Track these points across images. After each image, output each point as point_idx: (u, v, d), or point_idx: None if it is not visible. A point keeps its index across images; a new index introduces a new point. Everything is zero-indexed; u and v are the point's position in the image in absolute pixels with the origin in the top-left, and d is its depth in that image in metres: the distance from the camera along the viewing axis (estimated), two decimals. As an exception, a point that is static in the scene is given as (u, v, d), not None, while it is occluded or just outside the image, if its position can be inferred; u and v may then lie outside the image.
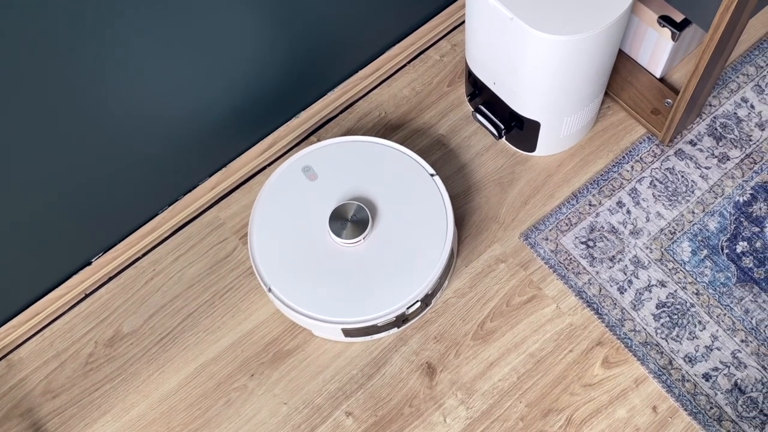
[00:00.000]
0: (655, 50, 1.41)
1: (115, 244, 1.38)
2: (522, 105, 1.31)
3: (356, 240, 1.24)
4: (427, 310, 1.33)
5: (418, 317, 1.32)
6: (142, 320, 1.36)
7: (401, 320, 1.26)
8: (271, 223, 1.29)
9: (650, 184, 1.40)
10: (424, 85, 1.53)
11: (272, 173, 1.33)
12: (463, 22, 1.57)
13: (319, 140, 1.48)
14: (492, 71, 1.30)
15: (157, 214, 1.39)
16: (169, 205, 1.40)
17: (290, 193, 1.31)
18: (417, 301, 1.23)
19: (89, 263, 1.36)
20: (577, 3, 1.12)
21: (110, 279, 1.40)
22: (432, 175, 1.29)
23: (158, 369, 1.33)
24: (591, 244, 1.37)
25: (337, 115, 1.51)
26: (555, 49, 1.14)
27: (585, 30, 1.11)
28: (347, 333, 1.25)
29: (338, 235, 1.24)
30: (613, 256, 1.35)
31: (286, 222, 1.29)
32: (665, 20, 1.33)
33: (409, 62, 1.55)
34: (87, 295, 1.39)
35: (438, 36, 1.56)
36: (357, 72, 1.50)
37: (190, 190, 1.41)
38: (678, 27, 1.32)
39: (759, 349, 1.27)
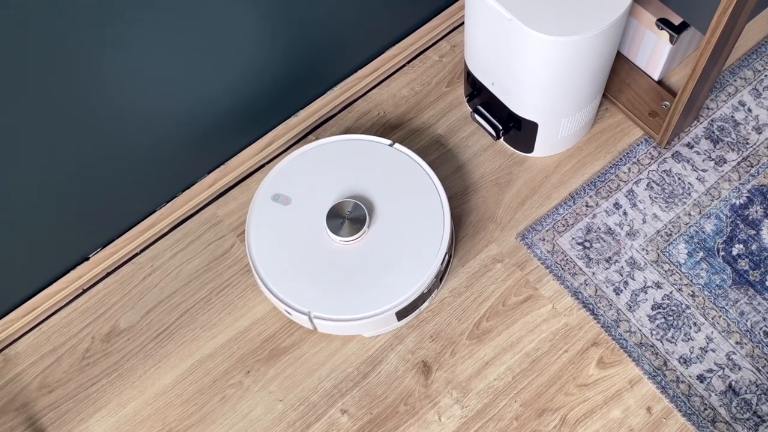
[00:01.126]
0: (654, 53, 1.42)
1: (113, 240, 1.38)
2: (520, 106, 1.32)
3: (357, 236, 1.25)
4: (451, 262, 1.35)
5: (446, 273, 1.35)
6: (139, 316, 1.37)
7: (440, 278, 1.29)
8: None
9: (647, 186, 1.41)
10: (423, 85, 1.53)
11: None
12: (463, 23, 1.57)
13: (317, 139, 1.49)
14: (491, 72, 1.31)
15: (155, 211, 1.40)
16: (168, 202, 1.40)
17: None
18: (446, 254, 1.26)
19: (87, 259, 1.37)
20: (576, 4, 1.13)
21: (108, 275, 1.40)
22: (390, 144, 1.31)
23: (154, 365, 1.33)
24: (587, 245, 1.37)
25: (336, 114, 1.52)
26: (553, 50, 1.14)
27: (583, 31, 1.11)
28: (400, 314, 1.26)
29: (336, 232, 1.25)
30: (610, 258, 1.36)
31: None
32: (663, 23, 1.33)
33: (409, 62, 1.55)
34: (84, 291, 1.39)
35: (437, 37, 1.57)
36: (356, 71, 1.50)
37: (188, 187, 1.41)
38: (676, 30, 1.33)
39: (753, 352, 1.27)
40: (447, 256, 1.27)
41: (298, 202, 1.30)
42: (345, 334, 1.31)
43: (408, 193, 1.30)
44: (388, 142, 1.31)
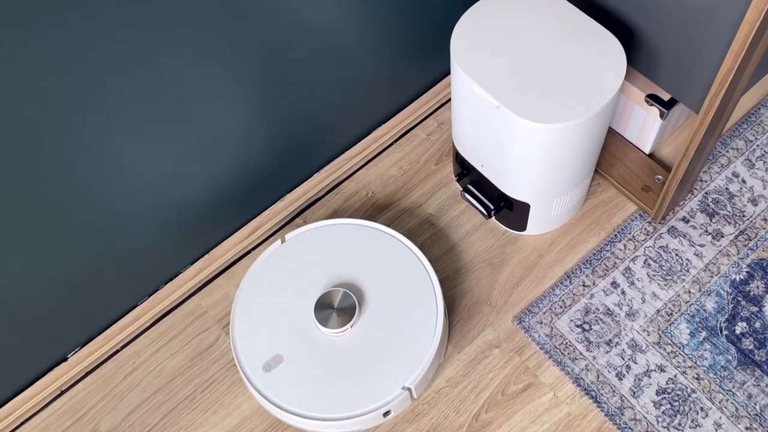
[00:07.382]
0: (644, 127, 1.40)
1: (93, 338, 1.32)
2: (511, 187, 1.28)
3: (346, 327, 1.20)
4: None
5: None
6: (120, 418, 1.30)
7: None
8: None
9: (644, 263, 1.37)
10: (412, 163, 1.50)
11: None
12: (449, 99, 1.55)
13: (305, 222, 1.45)
14: (480, 154, 1.28)
15: (137, 305, 1.34)
16: (150, 295, 1.35)
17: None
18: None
19: (65, 359, 1.31)
20: (564, 90, 1.10)
21: (87, 374, 1.34)
22: (282, 242, 1.28)
23: (137, 470, 1.26)
24: (587, 327, 1.32)
25: (323, 196, 1.48)
26: (543, 136, 1.11)
27: (573, 117, 1.09)
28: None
29: (324, 324, 1.20)
30: (610, 340, 1.31)
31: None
32: (653, 99, 1.31)
33: (396, 141, 1.53)
34: (63, 392, 1.33)
35: (424, 114, 1.54)
36: (343, 153, 1.47)
37: (171, 279, 1.36)
38: (666, 105, 1.31)
39: (765, 437, 1.22)
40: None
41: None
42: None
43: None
44: (279, 240, 1.28)
